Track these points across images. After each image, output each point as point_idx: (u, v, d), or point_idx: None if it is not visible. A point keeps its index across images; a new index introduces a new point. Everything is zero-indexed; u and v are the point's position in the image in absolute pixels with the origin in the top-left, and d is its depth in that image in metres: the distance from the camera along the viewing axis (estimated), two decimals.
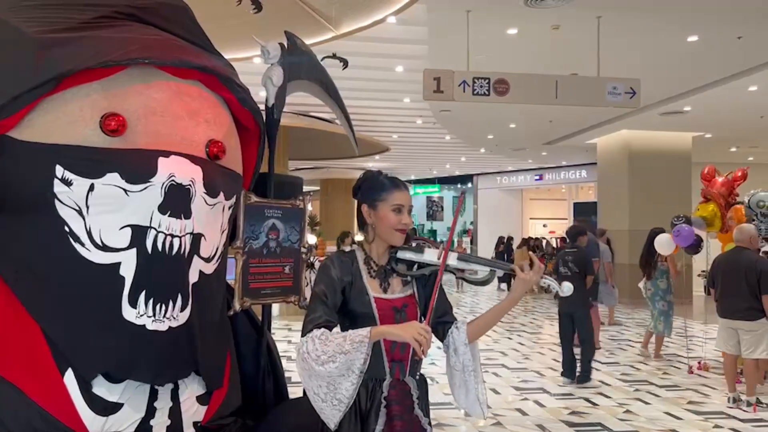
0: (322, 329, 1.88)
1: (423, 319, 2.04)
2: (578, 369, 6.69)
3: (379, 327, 1.89)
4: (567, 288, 2.07)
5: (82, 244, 1.65)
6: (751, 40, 7.97)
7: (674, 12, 7.17)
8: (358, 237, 2.30)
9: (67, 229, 1.65)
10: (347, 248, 2.14)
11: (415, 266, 2.11)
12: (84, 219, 1.65)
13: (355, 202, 2.15)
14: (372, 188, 2.09)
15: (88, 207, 1.65)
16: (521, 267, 2.05)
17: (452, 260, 2.07)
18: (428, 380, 2.23)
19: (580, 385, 6.53)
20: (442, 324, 2.15)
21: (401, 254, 2.10)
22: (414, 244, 2.13)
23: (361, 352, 1.82)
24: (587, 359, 6.68)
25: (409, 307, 2.08)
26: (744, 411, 5.61)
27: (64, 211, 1.65)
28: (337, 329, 1.95)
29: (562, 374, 6.74)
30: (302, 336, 1.90)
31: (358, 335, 1.83)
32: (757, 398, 5.70)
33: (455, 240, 22.74)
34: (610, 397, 6.05)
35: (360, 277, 2.05)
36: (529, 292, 16.66)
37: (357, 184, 2.15)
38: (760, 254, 6.32)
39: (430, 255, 2.09)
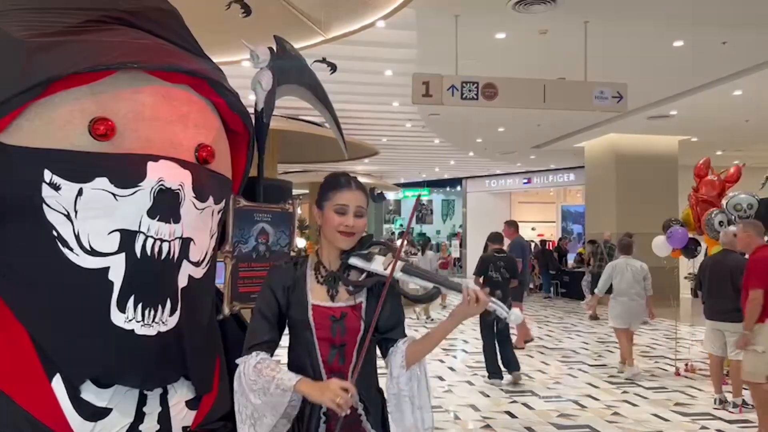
0: (261, 356, 1.88)
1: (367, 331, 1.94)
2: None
3: (300, 386, 1.80)
4: (515, 317, 1.93)
5: (71, 249, 1.64)
6: (736, 45, 8.07)
7: (660, 17, 7.25)
8: None
9: (55, 233, 1.64)
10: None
11: (365, 274, 1.98)
12: (72, 223, 1.64)
13: None
14: (322, 188, 2.03)
15: (76, 211, 1.64)
16: (467, 292, 1.86)
17: (396, 271, 1.91)
18: None
19: (514, 371, 6.76)
20: (385, 341, 2.02)
21: (352, 261, 1.99)
22: (367, 251, 2.00)
23: (286, 398, 1.81)
24: (512, 349, 6.99)
25: (348, 316, 1.96)
26: (730, 412, 5.67)
27: (52, 216, 1.64)
28: (283, 356, 1.93)
29: (490, 376, 6.83)
30: (245, 352, 1.90)
31: (284, 383, 1.81)
32: (743, 399, 5.76)
33: (438, 243, 22.66)
34: (598, 400, 6.09)
35: (303, 282, 1.99)
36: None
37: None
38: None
39: (377, 264, 1.96)
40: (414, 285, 1.99)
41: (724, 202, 7.52)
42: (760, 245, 5.19)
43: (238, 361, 1.91)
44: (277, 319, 1.98)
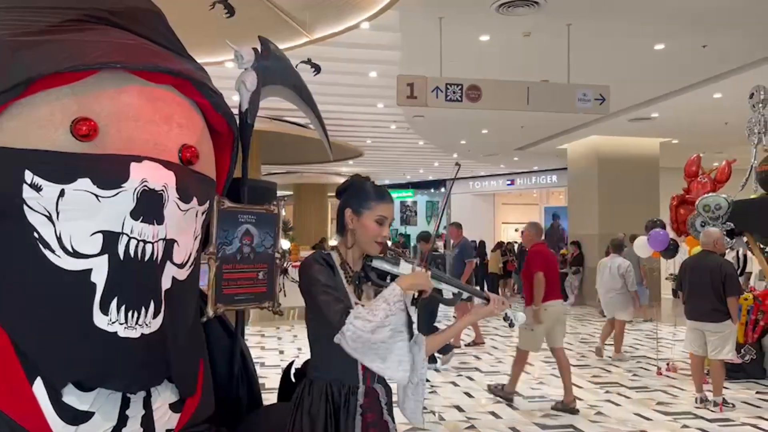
0: (359, 306, 1.93)
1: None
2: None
3: (401, 280, 1.98)
4: (521, 318, 2.18)
5: (52, 251, 1.62)
6: (716, 49, 8.18)
7: (642, 21, 7.33)
8: (333, 242, 2.31)
9: (36, 235, 1.62)
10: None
11: (389, 277, 2.11)
12: (54, 225, 1.62)
13: (330, 205, 2.17)
14: (360, 194, 2.10)
15: (58, 213, 1.62)
16: (495, 298, 2.13)
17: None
18: None
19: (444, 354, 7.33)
20: None
21: (376, 263, 2.10)
22: (389, 254, 2.13)
23: (402, 311, 1.92)
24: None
25: None
26: (711, 411, 5.74)
27: (33, 217, 1.61)
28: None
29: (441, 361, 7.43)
30: (340, 323, 1.90)
31: (394, 295, 1.92)
32: (723, 398, 5.83)
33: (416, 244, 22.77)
34: (581, 399, 6.13)
35: (341, 281, 2.06)
36: (503, 297, 16.89)
37: (344, 185, 2.16)
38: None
39: (405, 268, 2.10)
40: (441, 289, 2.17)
41: (697, 203, 7.62)
42: (537, 242, 6.25)
43: (343, 330, 1.90)
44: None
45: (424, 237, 8.07)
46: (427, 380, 6.75)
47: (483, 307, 2.14)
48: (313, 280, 2.00)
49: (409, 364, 1.97)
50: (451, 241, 9.33)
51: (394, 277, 2.11)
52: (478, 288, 2.31)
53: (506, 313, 2.15)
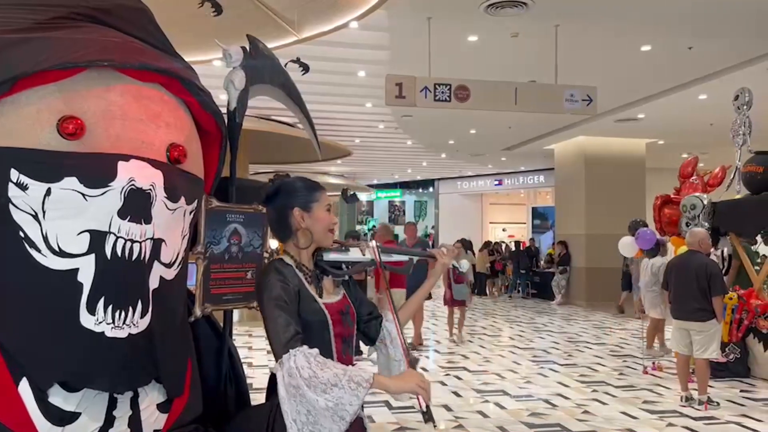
0: (316, 350, 1.80)
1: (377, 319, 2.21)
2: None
3: (380, 378, 1.80)
4: (465, 265, 2.43)
5: (39, 250, 1.60)
6: (701, 51, 8.26)
7: (629, 22, 7.39)
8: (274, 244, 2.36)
9: (22, 234, 1.60)
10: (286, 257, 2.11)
11: (343, 264, 2.15)
12: (40, 224, 1.60)
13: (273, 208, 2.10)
14: (300, 191, 2.05)
15: (44, 212, 1.60)
16: (440, 250, 2.25)
17: (377, 254, 2.15)
18: None
19: None
20: (373, 321, 2.20)
21: (327, 256, 2.10)
22: (336, 246, 2.16)
23: (357, 397, 1.71)
24: None
25: (350, 309, 2.12)
26: (696, 409, 5.79)
27: (19, 216, 1.60)
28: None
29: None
30: (285, 348, 1.80)
31: (359, 377, 1.72)
32: (708, 397, 5.89)
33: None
34: (568, 399, 6.17)
35: (303, 284, 2.00)
36: (491, 297, 16.88)
37: (273, 190, 2.06)
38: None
39: (356, 253, 2.14)
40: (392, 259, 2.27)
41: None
42: (386, 241, 7.32)
43: (283, 358, 1.77)
44: (296, 314, 1.92)
45: (353, 234, 9.03)
46: None
47: (435, 266, 2.24)
48: (270, 287, 1.91)
49: None
50: (405, 239, 9.28)
51: (348, 264, 2.14)
52: (422, 249, 2.49)
53: (453, 263, 2.32)
